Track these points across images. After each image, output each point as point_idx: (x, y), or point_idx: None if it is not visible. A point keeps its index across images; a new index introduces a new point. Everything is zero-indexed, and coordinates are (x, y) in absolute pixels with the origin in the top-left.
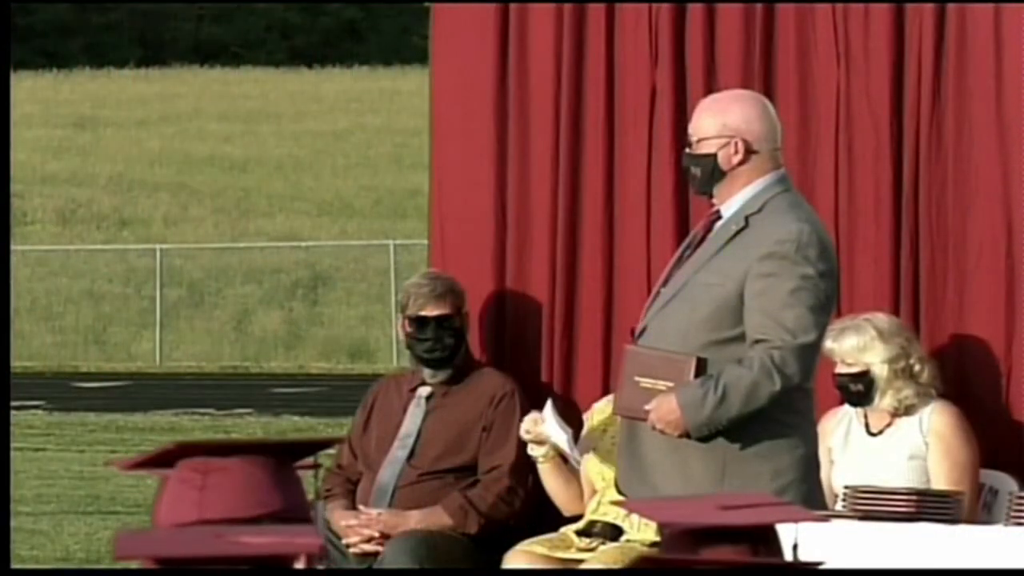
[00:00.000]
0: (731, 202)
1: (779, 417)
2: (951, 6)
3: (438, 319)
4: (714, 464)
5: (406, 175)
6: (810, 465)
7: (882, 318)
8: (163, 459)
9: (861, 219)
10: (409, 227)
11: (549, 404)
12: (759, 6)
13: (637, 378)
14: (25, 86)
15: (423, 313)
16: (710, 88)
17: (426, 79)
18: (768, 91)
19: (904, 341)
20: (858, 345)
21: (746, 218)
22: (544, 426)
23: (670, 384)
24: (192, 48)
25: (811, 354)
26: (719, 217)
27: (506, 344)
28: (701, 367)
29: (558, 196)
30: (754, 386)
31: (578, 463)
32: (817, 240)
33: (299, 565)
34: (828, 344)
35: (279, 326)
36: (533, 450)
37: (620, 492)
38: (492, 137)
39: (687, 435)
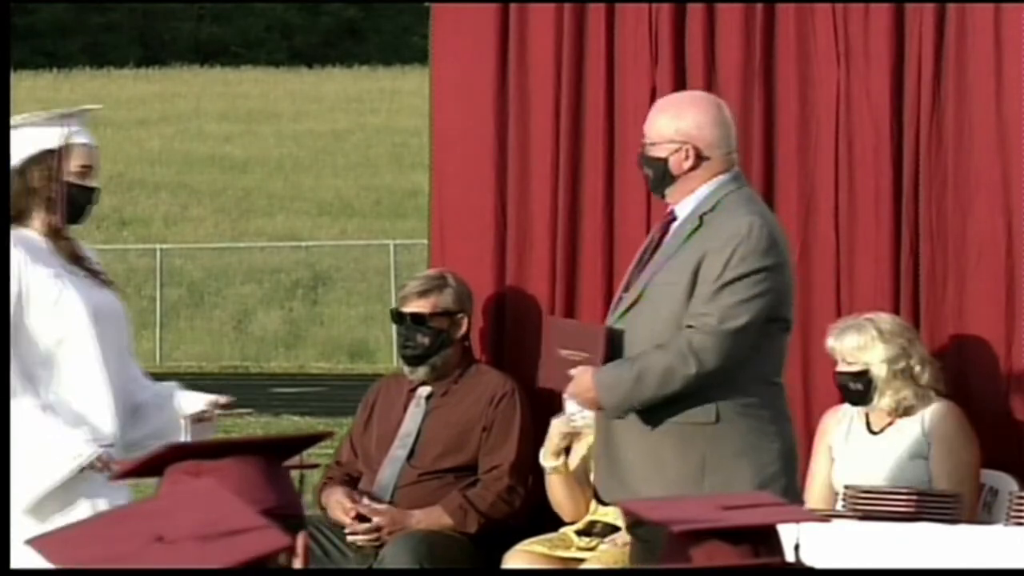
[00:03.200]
0: (685, 203)
1: (756, 413)
2: (951, 6)
3: (413, 316)
4: (693, 464)
5: (406, 175)
6: (789, 459)
7: (885, 318)
8: (153, 464)
9: (861, 219)
10: (409, 227)
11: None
12: (759, 6)
13: (558, 349)
14: (25, 86)
15: (401, 309)
16: (710, 88)
17: (426, 79)
18: (768, 91)
19: (905, 342)
20: (858, 344)
21: (700, 217)
22: (570, 411)
23: (586, 354)
24: (192, 48)
25: (734, 341)
26: (675, 218)
27: (506, 344)
28: (613, 337)
29: (558, 196)
30: (669, 370)
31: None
32: (766, 234)
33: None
34: (829, 342)
35: (279, 326)
36: (545, 461)
37: (599, 500)
38: (492, 137)
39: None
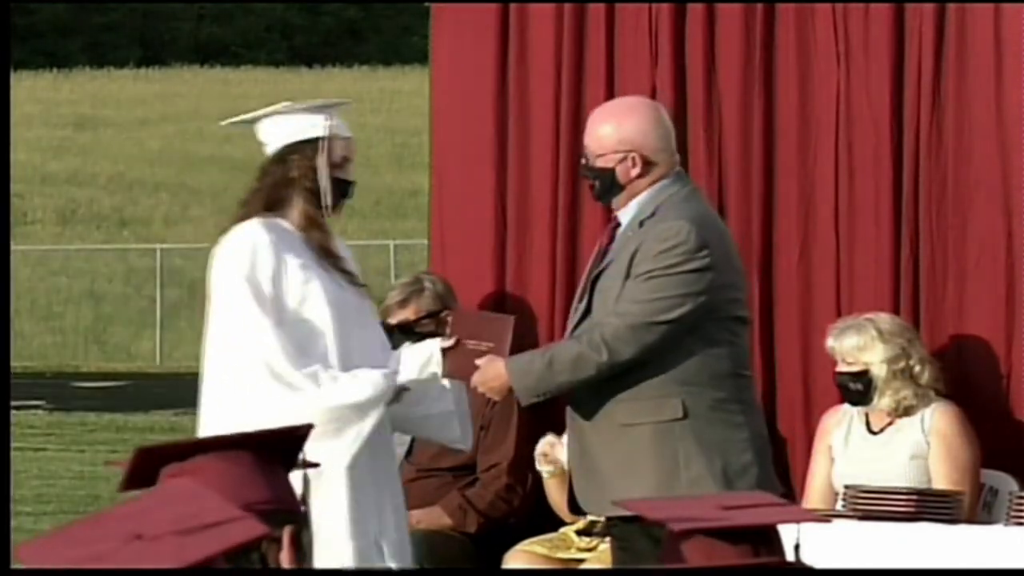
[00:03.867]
0: (627, 209)
1: (724, 407)
2: (951, 6)
3: (399, 326)
4: (667, 462)
5: (406, 175)
6: (760, 448)
7: (885, 318)
8: (143, 475)
9: (861, 219)
10: (409, 227)
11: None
12: (759, 6)
13: (464, 340)
14: (25, 86)
15: (386, 321)
16: (710, 88)
17: (426, 79)
18: (768, 91)
19: (905, 342)
20: (858, 344)
21: (640, 223)
22: (562, 451)
23: (491, 344)
24: (192, 48)
25: (649, 333)
26: (619, 224)
27: None
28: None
29: (558, 196)
30: (580, 356)
31: None
32: (695, 236)
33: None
34: (829, 342)
35: None
36: (541, 466)
37: (576, 510)
38: (492, 137)
39: (515, 400)
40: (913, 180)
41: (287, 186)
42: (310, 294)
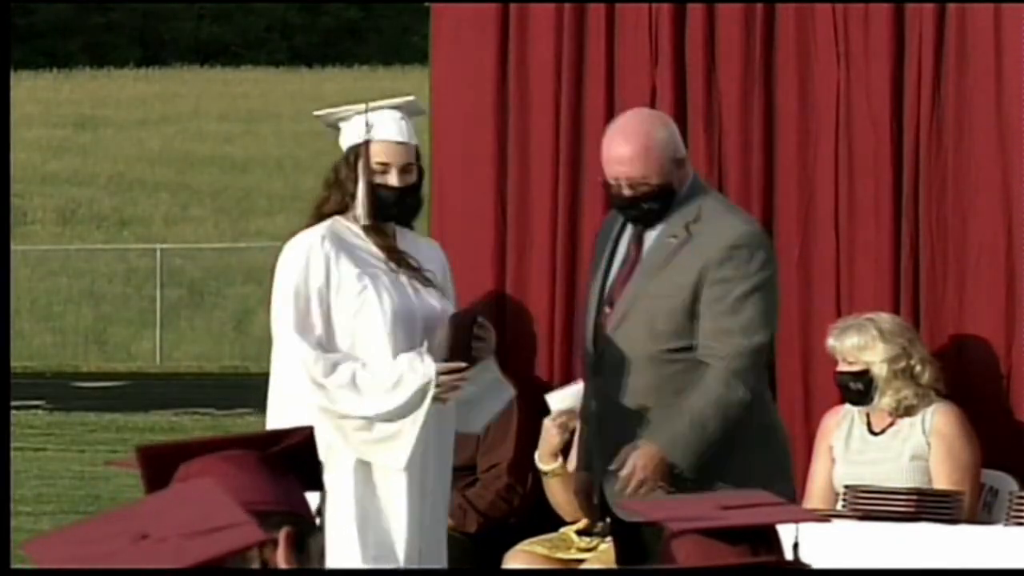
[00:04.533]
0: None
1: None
2: (951, 6)
3: None
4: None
5: None
6: (786, 465)
7: (885, 318)
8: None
9: (861, 219)
10: None
11: (550, 399)
12: (759, 6)
13: None
14: (25, 86)
15: None
16: (710, 88)
17: (426, 79)
18: (768, 91)
19: (906, 342)
20: (859, 344)
21: (686, 227)
22: (554, 406)
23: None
24: (192, 48)
25: (762, 356)
26: (643, 230)
27: (506, 344)
28: (459, 323)
29: (558, 196)
30: (723, 401)
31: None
32: (767, 242)
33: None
34: (830, 342)
35: None
36: (542, 463)
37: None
38: (492, 137)
39: (675, 476)
40: (913, 180)
41: (336, 189)
42: (365, 305)
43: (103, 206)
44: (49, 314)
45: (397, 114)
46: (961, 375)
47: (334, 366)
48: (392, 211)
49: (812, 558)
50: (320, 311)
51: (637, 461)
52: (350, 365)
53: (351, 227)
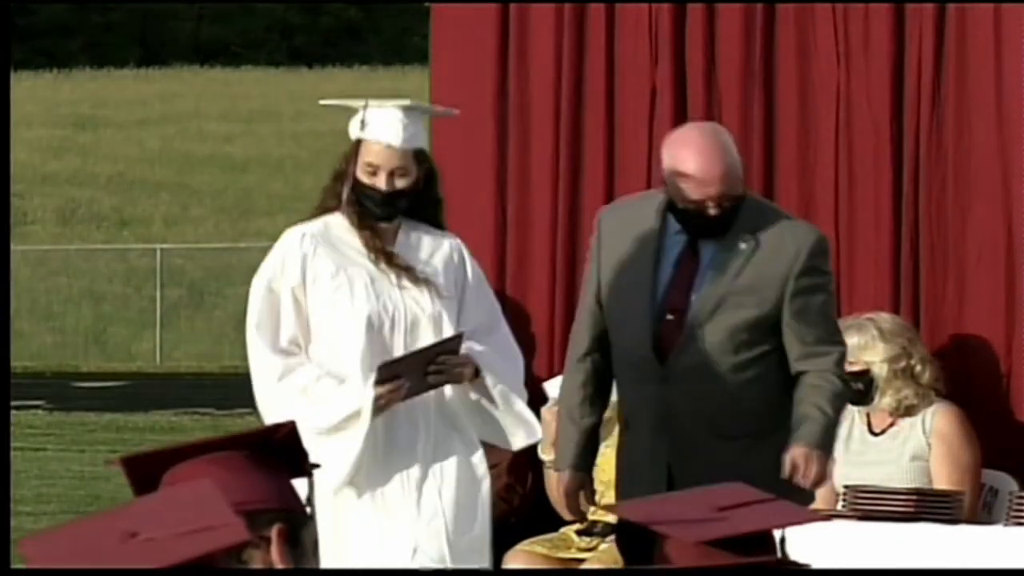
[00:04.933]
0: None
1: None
2: (951, 6)
3: None
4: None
5: None
6: None
7: (885, 317)
8: (147, 482)
9: (861, 219)
10: None
11: (548, 387)
12: (759, 6)
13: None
14: (25, 86)
15: None
16: (710, 88)
17: (426, 79)
18: (768, 91)
19: (906, 342)
20: (859, 344)
21: (753, 234)
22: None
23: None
24: (192, 48)
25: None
26: (693, 240)
27: None
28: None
29: (558, 196)
30: (841, 395)
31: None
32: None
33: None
34: None
35: None
36: (544, 454)
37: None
38: (492, 137)
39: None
40: (913, 180)
41: (341, 184)
42: (336, 304)
43: (103, 206)
44: (49, 314)
45: (396, 115)
46: (961, 375)
47: (290, 369)
48: (376, 213)
49: (812, 558)
50: (293, 309)
51: (812, 468)
52: (308, 372)
53: (342, 223)
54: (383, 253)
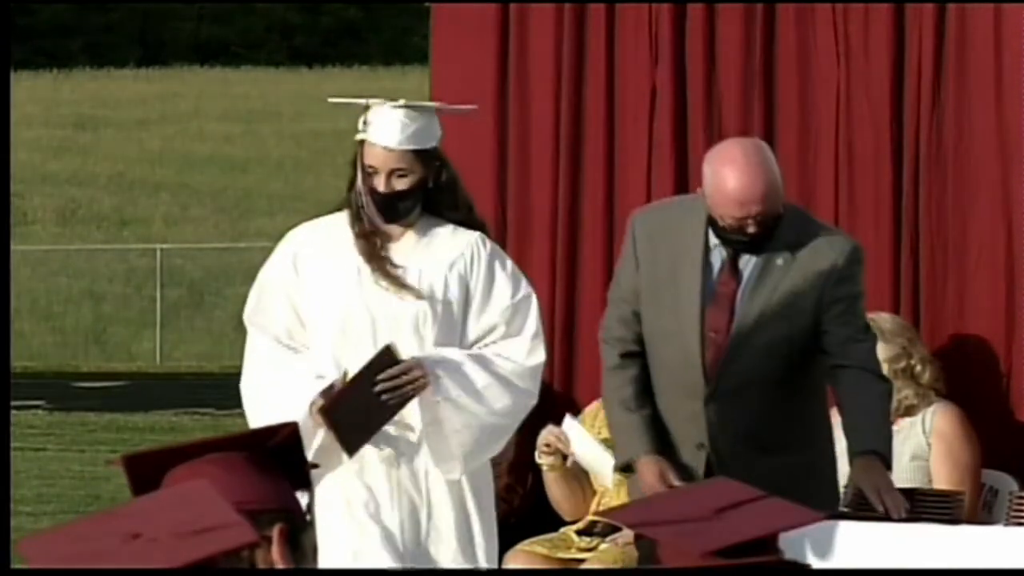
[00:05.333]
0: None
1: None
2: (951, 6)
3: None
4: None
5: None
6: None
7: (885, 317)
8: (148, 481)
9: (861, 219)
10: None
11: (568, 419)
12: (759, 6)
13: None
14: (25, 86)
15: None
16: (710, 88)
17: (426, 79)
18: (768, 91)
19: (906, 341)
20: None
21: (789, 249)
22: (573, 445)
23: None
24: (192, 48)
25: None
26: (735, 256)
27: None
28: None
29: (558, 196)
30: (887, 394)
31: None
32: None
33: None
34: None
35: None
36: (541, 459)
37: None
38: (492, 137)
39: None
40: (913, 180)
41: (349, 185)
42: (318, 304)
43: (103, 206)
44: (49, 314)
45: (393, 115)
46: (961, 375)
47: (275, 363)
48: (376, 216)
49: (812, 558)
50: (287, 306)
51: (881, 481)
52: (285, 370)
53: (336, 221)
54: (376, 258)
